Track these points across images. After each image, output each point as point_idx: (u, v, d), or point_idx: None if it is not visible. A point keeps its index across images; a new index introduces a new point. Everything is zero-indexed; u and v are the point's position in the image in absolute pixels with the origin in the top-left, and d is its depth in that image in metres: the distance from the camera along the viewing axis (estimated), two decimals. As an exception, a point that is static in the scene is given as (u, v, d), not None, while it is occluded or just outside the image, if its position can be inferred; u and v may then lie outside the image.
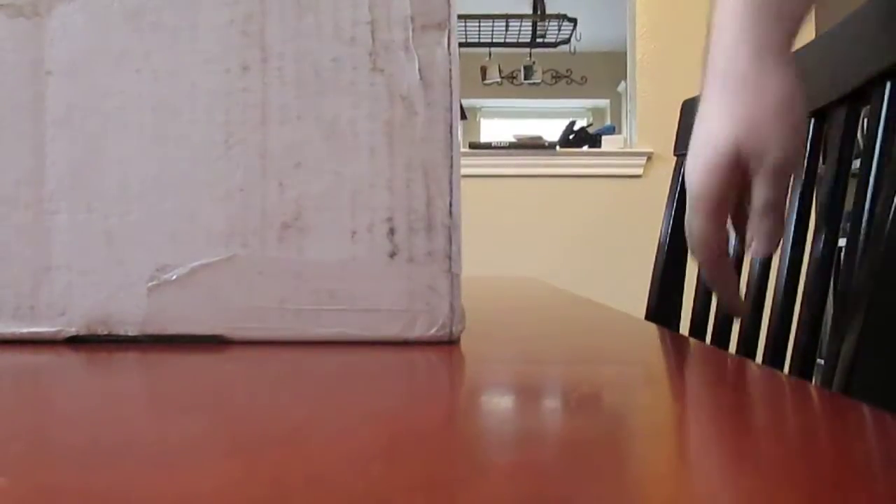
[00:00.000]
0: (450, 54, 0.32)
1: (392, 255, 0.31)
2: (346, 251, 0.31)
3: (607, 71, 4.70)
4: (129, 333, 0.31)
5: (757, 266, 0.65)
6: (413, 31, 0.31)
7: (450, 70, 0.32)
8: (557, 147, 2.70)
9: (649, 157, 2.58)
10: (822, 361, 0.52)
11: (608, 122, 4.59)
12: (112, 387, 0.24)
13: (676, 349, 0.35)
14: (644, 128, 2.61)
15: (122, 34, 0.32)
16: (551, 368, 0.28)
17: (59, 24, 0.32)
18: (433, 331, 0.31)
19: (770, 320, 0.62)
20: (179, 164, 0.31)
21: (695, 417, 0.21)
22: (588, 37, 4.26)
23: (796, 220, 0.61)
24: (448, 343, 0.31)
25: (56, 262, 0.32)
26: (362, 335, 0.31)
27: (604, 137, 2.80)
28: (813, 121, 0.60)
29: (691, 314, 0.76)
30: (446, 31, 0.31)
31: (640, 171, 2.60)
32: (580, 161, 2.66)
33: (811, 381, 0.57)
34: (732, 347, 0.69)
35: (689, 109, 0.83)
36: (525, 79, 4.63)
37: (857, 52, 0.54)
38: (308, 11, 0.31)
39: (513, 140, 2.69)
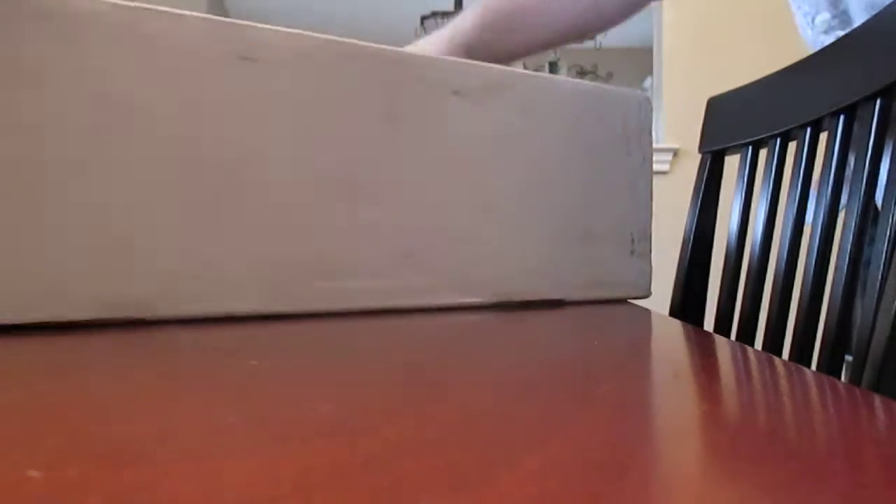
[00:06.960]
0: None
1: (632, 252, 0.56)
2: (617, 251, 0.56)
3: (633, 67, 4.57)
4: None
5: (784, 261, 0.64)
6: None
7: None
8: (587, 143, 2.79)
9: (675, 153, 2.56)
10: (851, 358, 0.52)
11: (632, 117, 4.67)
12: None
13: (701, 345, 0.34)
14: (670, 124, 2.56)
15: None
16: (575, 365, 0.28)
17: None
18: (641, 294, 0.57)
19: (797, 316, 0.60)
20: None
21: (721, 415, 0.20)
22: (614, 32, 4.30)
23: (825, 214, 0.60)
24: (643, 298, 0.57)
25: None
26: (617, 295, 0.57)
27: (632, 133, 2.91)
28: (843, 116, 0.60)
29: (716, 310, 0.74)
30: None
31: (666, 167, 2.57)
32: (607, 157, 2.72)
33: (840, 377, 0.57)
34: (758, 344, 0.68)
35: (714, 106, 0.82)
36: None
37: (891, 47, 0.53)
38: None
39: (543, 137, 2.76)
